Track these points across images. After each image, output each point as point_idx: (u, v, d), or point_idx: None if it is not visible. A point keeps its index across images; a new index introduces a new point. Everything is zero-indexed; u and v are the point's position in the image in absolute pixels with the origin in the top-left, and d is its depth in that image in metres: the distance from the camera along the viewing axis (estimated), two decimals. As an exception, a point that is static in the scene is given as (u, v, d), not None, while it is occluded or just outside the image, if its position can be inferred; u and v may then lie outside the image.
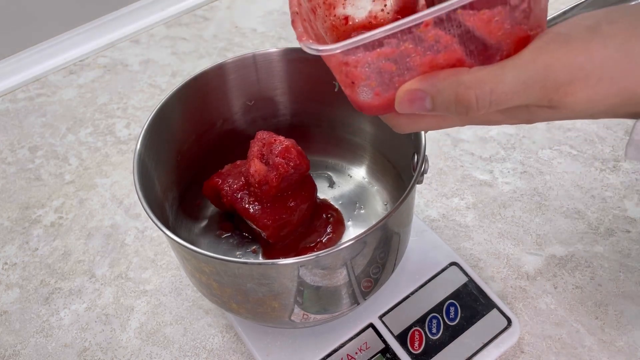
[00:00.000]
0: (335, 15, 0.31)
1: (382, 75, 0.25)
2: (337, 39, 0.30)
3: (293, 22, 0.27)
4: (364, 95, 0.26)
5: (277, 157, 0.43)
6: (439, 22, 0.22)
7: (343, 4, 0.31)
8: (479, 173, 0.59)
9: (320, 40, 0.28)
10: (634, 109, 0.23)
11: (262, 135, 0.45)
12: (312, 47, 0.24)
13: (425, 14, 0.22)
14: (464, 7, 0.22)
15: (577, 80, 0.22)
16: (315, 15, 0.30)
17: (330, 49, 0.24)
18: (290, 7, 0.28)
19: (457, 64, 0.24)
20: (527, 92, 0.22)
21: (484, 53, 0.23)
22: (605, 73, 0.22)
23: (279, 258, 0.44)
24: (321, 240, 0.48)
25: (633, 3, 0.26)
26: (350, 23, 0.31)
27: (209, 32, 0.82)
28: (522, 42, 0.23)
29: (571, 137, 0.61)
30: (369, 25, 0.31)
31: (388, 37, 0.23)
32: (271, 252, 0.48)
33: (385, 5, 0.31)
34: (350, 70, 0.25)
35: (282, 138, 0.44)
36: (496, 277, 0.51)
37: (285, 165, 0.43)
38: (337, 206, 0.51)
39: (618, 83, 0.22)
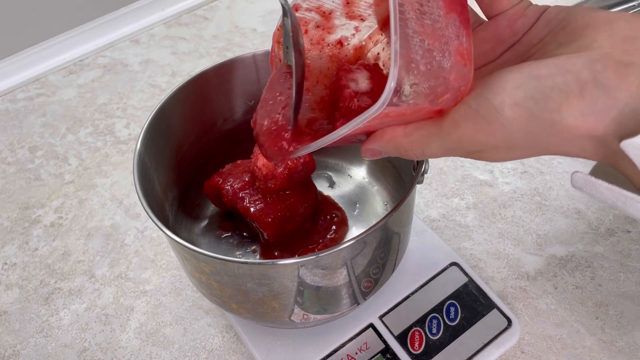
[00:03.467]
0: (329, 45, 0.34)
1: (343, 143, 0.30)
2: (339, 66, 0.33)
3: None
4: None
5: None
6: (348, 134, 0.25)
7: (329, 31, 0.33)
8: (479, 173, 0.59)
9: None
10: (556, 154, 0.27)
11: None
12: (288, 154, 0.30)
13: (332, 136, 0.26)
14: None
15: (486, 150, 0.25)
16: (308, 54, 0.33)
17: (296, 153, 0.30)
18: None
19: (394, 125, 0.27)
20: (450, 154, 0.27)
21: (411, 119, 0.27)
22: (512, 146, 0.25)
23: (279, 258, 0.44)
24: (323, 241, 0.48)
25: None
26: (345, 44, 0.34)
27: (209, 32, 0.82)
28: (435, 113, 0.26)
29: (571, 137, 0.61)
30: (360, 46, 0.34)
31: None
32: (271, 252, 0.48)
33: (362, 20, 0.33)
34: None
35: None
36: (496, 277, 0.51)
37: (295, 161, 0.43)
38: (337, 206, 0.51)
39: (529, 151, 0.25)
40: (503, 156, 0.26)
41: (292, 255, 0.46)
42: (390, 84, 0.23)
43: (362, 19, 0.33)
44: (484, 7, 0.30)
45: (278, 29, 0.33)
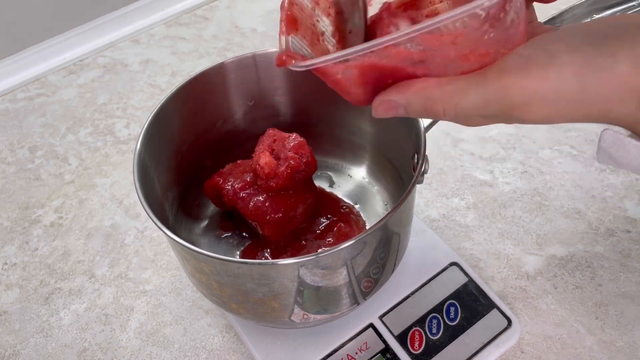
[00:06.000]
0: None
1: (365, 79, 0.26)
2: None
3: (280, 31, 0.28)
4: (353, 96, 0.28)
5: (289, 151, 0.43)
6: (401, 42, 0.23)
7: None
8: (479, 173, 0.59)
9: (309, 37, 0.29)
10: (595, 121, 0.26)
11: (273, 131, 0.45)
12: (296, 65, 0.26)
13: (385, 40, 0.23)
14: (424, 31, 0.23)
15: (532, 102, 0.24)
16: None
17: (304, 65, 0.25)
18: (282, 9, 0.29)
19: (428, 74, 0.25)
20: (487, 109, 0.25)
21: (452, 67, 0.25)
22: (560, 97, 0.24)
23: (278, 258, 0.44)
24: (324, 242, 0.48)
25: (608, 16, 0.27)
26: None
27: (209, 32, 0.82)
28: (487, 60, 0.25)
29: (571, 137, 0.61)
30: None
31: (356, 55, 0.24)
32: (260, 250, 0.48)
33: None
34: (331, 78, 0.26)
35: (295, 134, 0.44)
36: (496, 277, 0.51)
37: (297, 160, 0.43)
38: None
39: (573, 107, 0.25)
40: (546, 112, 0.25)
41: (289, 256, 0.46)
42: None
43: None
44: None
45: None
